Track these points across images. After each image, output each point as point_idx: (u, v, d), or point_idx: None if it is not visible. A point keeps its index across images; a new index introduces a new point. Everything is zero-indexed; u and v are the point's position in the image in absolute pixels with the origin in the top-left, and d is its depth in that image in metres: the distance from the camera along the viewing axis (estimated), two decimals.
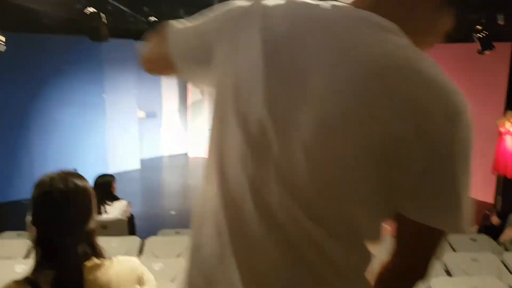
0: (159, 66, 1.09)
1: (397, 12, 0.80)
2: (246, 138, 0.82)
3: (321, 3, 0.83)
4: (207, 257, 0.89)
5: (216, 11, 0.93)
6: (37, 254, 1.30)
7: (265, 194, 0.80)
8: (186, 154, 10.46)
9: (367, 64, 0.74)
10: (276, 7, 0.84)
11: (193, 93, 10.17)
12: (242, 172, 0.82)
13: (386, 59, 0.74)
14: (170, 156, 10.42)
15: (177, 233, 4.23)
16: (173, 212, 6.76)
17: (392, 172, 0.74)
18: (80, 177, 1.37)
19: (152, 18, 5.67)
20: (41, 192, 1.31)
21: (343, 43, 0.77)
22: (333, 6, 0.82)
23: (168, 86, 10.27)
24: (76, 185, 1.33)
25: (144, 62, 1.09)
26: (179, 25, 0.99)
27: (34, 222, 1.32)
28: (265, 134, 0.80)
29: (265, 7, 0.85)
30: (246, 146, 0.82)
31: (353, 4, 0.83)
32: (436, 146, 0.72)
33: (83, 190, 1.35)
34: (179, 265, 3.06)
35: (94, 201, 1.38)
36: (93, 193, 1.38)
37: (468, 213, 0.77)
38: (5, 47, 5.04)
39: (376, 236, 0.84)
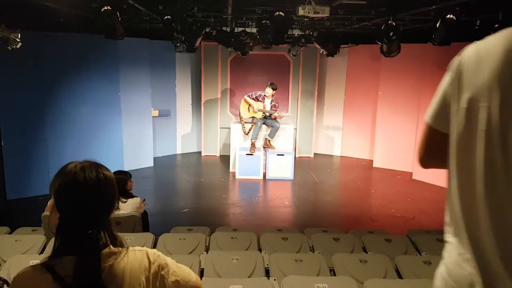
0: (429, 146, 1.32)
1: None
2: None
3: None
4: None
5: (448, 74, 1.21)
6: (56, 240, 1.29)
7: None
8: (199, 152, 10.49)
9: None
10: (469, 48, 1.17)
11: (207, 92, 10.19)
12: None
13: None
14: (183, 154, 10.47)
15: (189, 230, 4.25)
16: (185, 210, 6.80)
17: None
18: (106, 168, 1.38)
19: (167, 17, 5.69)
20: (73, 179, 1.29)
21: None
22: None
23: (182, 85, 10.31)
24: (105, 175, 1.34)
25: (419, 157, 1.35)
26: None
27: (59, 208, 1.30)
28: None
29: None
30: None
31: None
32: None
33: (111, 181, 1.36)
34: (191, 261, 3.08)
35: (117, 192, 1.40)
36: (116, 184, 1.39)
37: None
38: (20, 44, 5.09)
39: None
